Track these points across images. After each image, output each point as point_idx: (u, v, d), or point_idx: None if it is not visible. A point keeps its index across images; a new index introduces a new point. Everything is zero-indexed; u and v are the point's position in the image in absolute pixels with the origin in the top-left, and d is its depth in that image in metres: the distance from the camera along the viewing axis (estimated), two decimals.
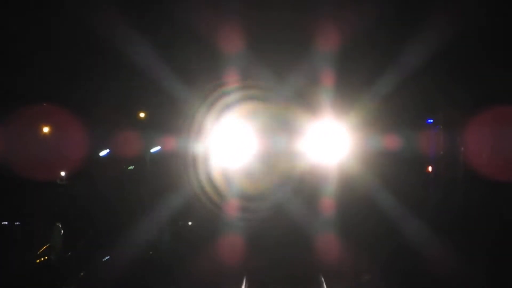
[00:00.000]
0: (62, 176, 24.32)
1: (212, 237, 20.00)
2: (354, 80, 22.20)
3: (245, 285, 16.54)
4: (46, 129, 24.00)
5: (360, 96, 22.53)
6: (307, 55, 21.63)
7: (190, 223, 21.96)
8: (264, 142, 22.76)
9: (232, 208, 21.56)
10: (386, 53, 21.58)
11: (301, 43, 21.64)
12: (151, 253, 18.85)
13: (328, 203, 22.07)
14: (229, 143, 22.23)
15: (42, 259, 20.43)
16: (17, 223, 21.74)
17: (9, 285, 17.11)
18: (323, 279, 16.33)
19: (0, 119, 22.19)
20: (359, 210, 21.62)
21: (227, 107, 21.93)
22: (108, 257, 18.57)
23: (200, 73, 21.14)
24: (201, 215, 21.82)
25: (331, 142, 23.14)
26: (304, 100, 22.62)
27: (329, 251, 18.20)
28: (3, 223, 21.76)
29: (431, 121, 24.15)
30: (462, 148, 23.78)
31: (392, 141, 23.15)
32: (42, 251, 21.03)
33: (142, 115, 23.36)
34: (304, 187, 22.69)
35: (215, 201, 21.74)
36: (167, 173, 22.45)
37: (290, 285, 16.40)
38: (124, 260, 18.01)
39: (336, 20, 20.83)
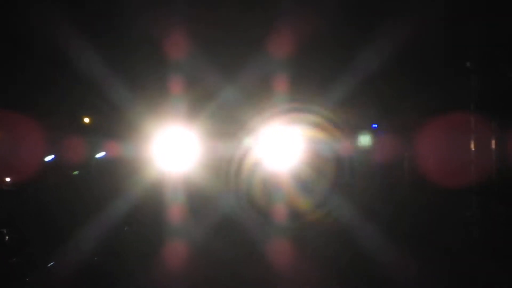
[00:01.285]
0: (7, 182, 24.24)
1: (157, 244, 19.71)
2: (304, 84, 21.92)
3: None
4: None
5: (312, 102, 22.30)
6: (257, 57, 21.28)
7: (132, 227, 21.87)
8: (210, 146, 22.42)
9: (177, 213, 21.29)
10: (337, 58, 21.35)
11: (251, 44, 21.29)
12: (95, 258, 18.79)
13: (279, 209, 21.77)
14: (172, 147, 21.97)
15: None
16: None
17: None
18: None
19: None
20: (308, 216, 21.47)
21: (173, 110, 21.69)
22: (53, 262, 18.55)
23: (145, 78, 21.12)
24: (145, 220, 21.58)
25: (281, 147, 22.85)
26: (253, 103, 22.30)
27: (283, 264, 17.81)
28: None
29: (376, 126, 24.14)
30: (407, 154, 23.75)
31: (342, 147, 23.06)
32: None
33: (87, 120, 23.39)
34: (254, 193, 22.36)
35: (158, 206, 21.55)
36: (112, 178, 22.52)
37: None
38: (69, 265, 18.05)
39: (287, 23, 20.59)
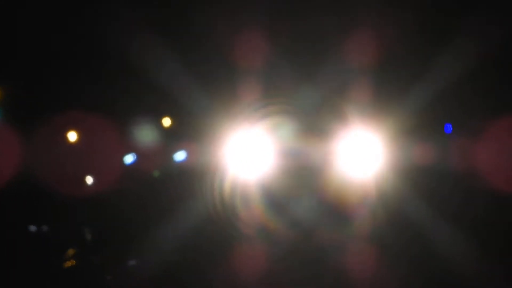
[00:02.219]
0: (89, 183, 24.96)
1: (233, 246, 19.61)
2: (388, 88, 21.40)
3: None
4: (74, 136, 24.61)
5: (395, 105, 21.60)
6: (338, 61, 21.13)
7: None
8: (290, 154, 21.70)
9: (251, 226, 20.96)
10: (423, 61, 20.96)
11: (331, 48, 21.14)
12: (175, 257, 19.36)
13: (365, 224, 20.83)
14: (251, 155, 21.49)
15: (70, 263, 21.16)
16: (45, 228, 22.53)
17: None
18: None
19: (29, 127, 22.86)
20: (400, 230, 20.51)
21: (251, 118, 21.35)
22: (134, 261, 19.18)
23: (223, 84, 21.56)
24: (221, 222, 21.74)
25: (364, 154, 21.67)
26: (335, 109, 21.68)
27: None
28: (31, 227, 22.56)
29: (450, 127, 22.99)
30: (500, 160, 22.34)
31: (428, 152, 21.99)
32: (69, 255, 21.76)
33: (167, 122, 24.00)
34: (336, 205, 21.34)
35: (230, 218, 21.14)
36: (189, 181, 22.90)
37: None
38: (149, 264, 18.65)
39: (370, 27, 20.62)
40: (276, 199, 20.99)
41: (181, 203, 20.65)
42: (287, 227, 20.32)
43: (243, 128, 20.89)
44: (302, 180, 21.28)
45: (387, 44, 20.67)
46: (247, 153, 20.92)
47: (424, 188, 20.94)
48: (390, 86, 21.18)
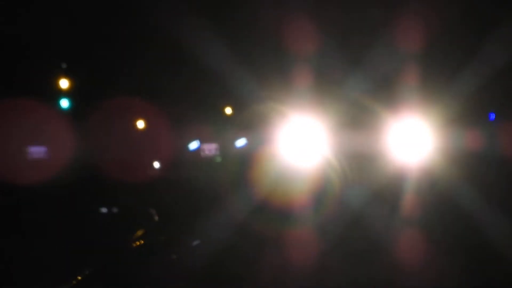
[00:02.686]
0: (155, 167, 25.93)
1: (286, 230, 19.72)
2: (435, 74, 21.23)
3: None
4: (141, 124, 25.67)
5: (443, 92, 21.40)
6: (386, 48, 21.00)
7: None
8: (340, 141, 21.70)
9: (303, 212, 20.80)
10: (470, 48, 20.94)
11: (380, 35, 21.09)
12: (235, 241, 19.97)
13: (413, 209, 20.73)
14: (301, 142, 21.32)
15: (138, 242, 22.26)
16: (115, 209, 23.67)
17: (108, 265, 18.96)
18: None
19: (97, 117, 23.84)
20: (448, 216, 20.30)
21: (299, 104, 21.22)
22: (199, 241, 20.17)
23: (272, 71, 21.51)
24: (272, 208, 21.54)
25: (413, 140, 21.66)
26: (383, 95, 21.60)
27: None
28: (102, 209, 23.73)
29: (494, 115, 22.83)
30: None
31: (476, 138, 21.91)
32: (137, 235, 22.85)
33: (228, 111, 24.65)
34: (387, 192, 21.43)
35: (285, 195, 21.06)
36: (248, 167, 23.46)
37: None
38: (211, 244, 19.58)
39: (417, 14, 20.63)
40: (329, 186, 21.11)
41: (239, 189, 21.53)
42: (339, 213, 20.26)
43: (296, 115, 21.04)
44: (354, 168, 21.36)
45: (434, 32, 20.72)
46: (300, 140, 20.98)
47: (473, 174, 20.93)
48: (437, 74, 21.23)
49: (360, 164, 21.41)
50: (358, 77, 21.24)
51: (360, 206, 20.66)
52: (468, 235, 18.80)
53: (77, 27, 22.74)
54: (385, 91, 21.44)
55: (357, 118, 21.76)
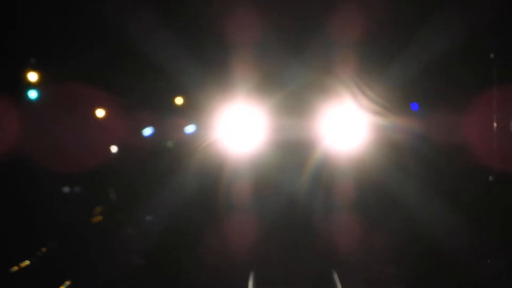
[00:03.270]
0: (112, 151, 27.93)
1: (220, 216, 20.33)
2: (376, 60, 21.40)
3: (252, 281, 16.21)
4: (101, 113, 27.59)
5: (382, 79, 21.57)
6: (327, 35, 21.01)
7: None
8: (277, 127, 21.85)
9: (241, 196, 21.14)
10: (410, 34, 20.65)
11: (320, 20, 21.02)
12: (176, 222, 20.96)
13: (347, 195, 21.04)
14: (239, 129, 21.56)
15: (98, 218, 24.51)
16: (77, 189, 25.75)
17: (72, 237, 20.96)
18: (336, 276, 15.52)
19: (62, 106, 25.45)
20: (381, 203, 20.65)
21: (239, 91, 21.45)
22: (151, 217, 22.26)
23: (213, 60, 21.58)
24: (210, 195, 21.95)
25: (350, 127, 21.74)
26: (322, 82, 21.77)
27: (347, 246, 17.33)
28: (65, 189, 25.78)
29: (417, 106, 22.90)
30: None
31: (412, 126, 21.98)
32: (97, 212, 25.06)
33: (180, 101, 25.89)
34: (322, 178, 21.69)
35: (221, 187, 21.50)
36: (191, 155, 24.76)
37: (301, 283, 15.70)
38: (160, 221, 21.24)
39: (353, 5, 20.56)
40: (266, 171, 21.46)
41: (186, 172, 22.20)
42: (275, 198, 20.81)
43: (236, 103, 21.22)
44: (290, 154, 21.60)
45: (369, 24, 20.75)
46: (239, 127, 21.25)
47: (403, 161, 21.24)
48: (372, 63, 21.27)
49: (297, 151, 21.72)
50: (296, 67, 21.61)
51: (296, 192, 21.24)
52: (400, 220, 19.31)
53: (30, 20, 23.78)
54: (321, 81, 21.76)
55: (296, 106, 22.01)
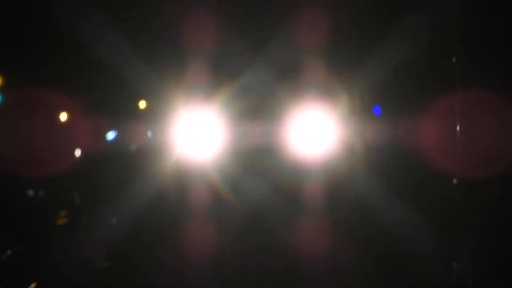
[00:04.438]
0: (78, 155, 28.32)
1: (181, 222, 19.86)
2: (345, 61, 20.99)
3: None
4: (64, 117, 27.83)
5: (352, 81, 21.28)
6: (289, 40, 20.64)
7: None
8: (239, 132, 21.45)
9: (201, 204, 20.67)
10: (380, 34, 20.38)
11: (286, 22, 20.61)
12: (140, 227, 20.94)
13: (313, 202, 20.37)
14: (198, 133, 21.19)
15: (62, 221, 24.72)
16: (41, 192, 25.98)
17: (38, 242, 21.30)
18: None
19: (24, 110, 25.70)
20: (346, 207, 20.20)
21: (198, 94, 21.14)
22: (115, 221, 22.55)
23: (173, 65, 21.27)
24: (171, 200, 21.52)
25: (317, 132, 21.14)
26: (287, 85, 21.25)
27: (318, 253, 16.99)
28: (29, 192, 26.00)
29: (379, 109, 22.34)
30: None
31: (382, 131, 21.56)
32: (61, 215, 25.33)
33: (143, 105, 26.27)
34: (286, 184, 21.04)
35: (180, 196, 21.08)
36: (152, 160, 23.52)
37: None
38: (125, 223, 21.15)
39: (321, 6, 20.32)
40: (227, 179, 20.87)
41: (148, 177, 21.91)
42: (237, 206, 20.23)
43: (195, 108, 20.78)
44: (253, 160, 21.11)
45: (337, 25, 20.37)
46: (198, 133, 20.82)
47: (373, 165, 20.75)
48: (339, 66, 20.84)
49: (261, 156, 21.23)
50: (259, 69, 21.12)
51: (261, 198, 20.67)
52: (368, 225, 19.15)
53: None
54: (286, 83, 21.20)
55: (257, 110, 21.54)
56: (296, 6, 20.39)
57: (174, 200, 20.73)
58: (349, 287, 15.55)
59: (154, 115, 23.62)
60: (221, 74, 21.11)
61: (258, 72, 21.15)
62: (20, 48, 23.96)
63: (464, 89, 19.92)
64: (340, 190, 20.32)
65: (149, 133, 24.88)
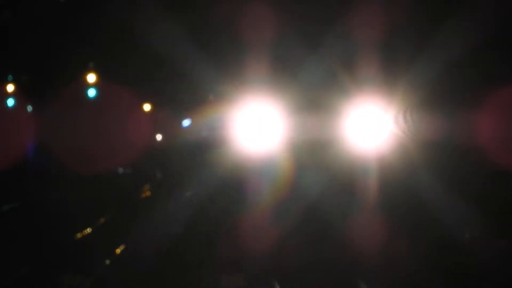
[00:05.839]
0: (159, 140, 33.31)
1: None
2: (400, 57, 20.63)
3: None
4: (147, 107, 32.83)
5: (399, 80, 20.58)
6: (347, 29, 20.45)
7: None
8: (297, 124, 21.17)
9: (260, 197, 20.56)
10: (426, 37, 19.91)
11: (337, 22, 20.63)
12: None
13: (369, 195, 20.11)
14: (258, 125, 20.98)
15: (146, 194, 29.00)
16: (129, 170, 30.82)
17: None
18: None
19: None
20: (404, 205, 19.71)
21: (253, 87, 21.03)
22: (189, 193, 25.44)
23: (230, 58, 21.38)
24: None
25: (373, 127, 20.58)
26: (344, 80, 20.91)
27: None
28: (120, 170, 31.04)
29: None
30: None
31: (440, 127, 20.47)
32: (146, 188, 29.76)
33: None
34: (342, 180, 20.70)
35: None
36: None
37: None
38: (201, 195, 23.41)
39: (374, 1, 20.15)
40: (284, 171, 20.94)
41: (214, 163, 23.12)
42: (294, 199, 20.09)
43: (252, 101, 20.84)
44: (310, 154, 21.00)
45: (391, 19, 20.21)
46: (255, 126, 20.75)
47: (430, 161, 20.15)
48: (394, 61, 20.67)
49: (317, 150, 20.97)
50: (316, 64, 20.94)
51: (317, 192, 20.29)
52: (426, 222, 18.72)
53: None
54: (342, 78, 20.86)
55: (314, 104, 21.21)
56: (353, 2, 20.38)
57: (233, 188, 21.38)
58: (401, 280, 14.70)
59: (218, 107, 24.99)
60: (279, 68, 21.18)
61: (315, 67, 20.97)
62: (111, 50, 27.71)
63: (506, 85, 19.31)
64: (396, 186, 19.93)
65: (211, 123, 27.16)
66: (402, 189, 19.41)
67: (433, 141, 19.94)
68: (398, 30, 20.07)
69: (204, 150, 26.47)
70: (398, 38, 20.21)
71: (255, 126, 20.61)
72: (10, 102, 28.10)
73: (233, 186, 21.44)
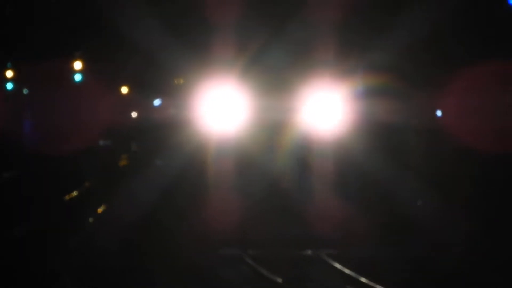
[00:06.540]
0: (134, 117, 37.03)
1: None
2: (356, 42, 20.87)
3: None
4: (125, 90, 36.93)
5: (362, 60, 21.18)
6: (307, 14, 20.60)
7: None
8: (258, 105, 21.48)
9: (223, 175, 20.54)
10: (386, 21, 20.22)
11: (300, 7, 20.69)
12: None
13: (324, 172, 20.28)
14: (220, 106, 21.26)
15: (123, 162, 32.88)
16: (109, 142, 34.48)
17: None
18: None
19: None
20: (355, 180, 20.16)
21: (221, 70, 21.19)
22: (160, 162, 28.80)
23: (197, 41, 21.36)
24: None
25: (329, 107, 21.18)
26: (301, 62, 21.34)
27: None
28: (101, 142, 34.61)
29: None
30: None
31: (392, 108, 21.22)
32: (123, 157, 33.82)
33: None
34: (300, 156, 21.14)
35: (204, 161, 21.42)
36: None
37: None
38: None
39: None
40: (246, 150, 21.29)
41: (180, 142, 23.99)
42: (256, 177, 20.33)
43: (217, 83, 21.29)
44: (270, 133, 21.53)
45: (351, 3, 20.42)
46: (219, 107, 21.27)
47: (386, 142, 20.50)
48: (354, 45, 21.14)
49: (278, 130, 21.38)
50: (278, 48, 21.34)
51: (277, 169, 20.68)
52: (377, 195, 19.20)
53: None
54: (300, 61, 21.33)
55: (276, 86, 21.64)
56: None
57: (199, 168, 21.65)
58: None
59: (185, 89, 26.45)
60: (240, 50, 21.52)
61: (274, 49, 21.48)
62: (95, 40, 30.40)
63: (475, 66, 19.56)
64: (350, 165, 20.21)
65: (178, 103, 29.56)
66: (358, 165, 19.83)
67: (387, 122, 20.55)
68: (359, 12, 20.17)
69: (172, 126, 29.35)
70: (358, 20, 20.32)
71: (219, 106, 21.20)
72: (9, 85, 31.63)
73: (197, 160, 21.85)
